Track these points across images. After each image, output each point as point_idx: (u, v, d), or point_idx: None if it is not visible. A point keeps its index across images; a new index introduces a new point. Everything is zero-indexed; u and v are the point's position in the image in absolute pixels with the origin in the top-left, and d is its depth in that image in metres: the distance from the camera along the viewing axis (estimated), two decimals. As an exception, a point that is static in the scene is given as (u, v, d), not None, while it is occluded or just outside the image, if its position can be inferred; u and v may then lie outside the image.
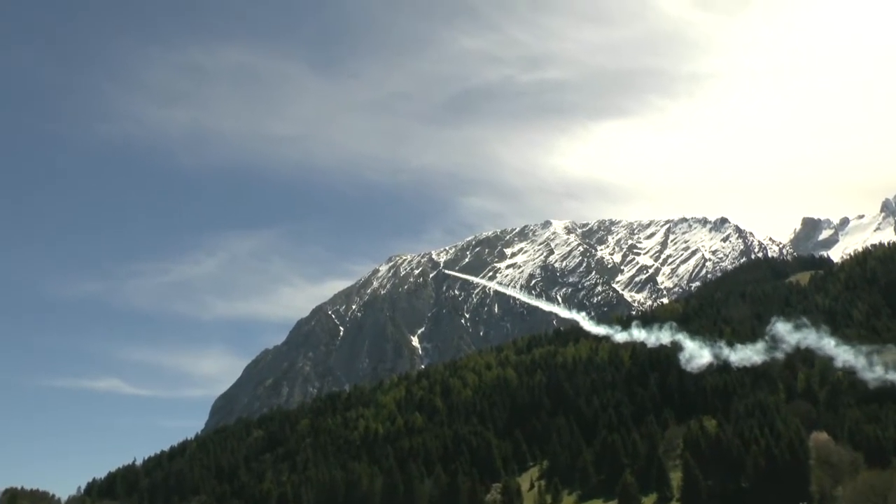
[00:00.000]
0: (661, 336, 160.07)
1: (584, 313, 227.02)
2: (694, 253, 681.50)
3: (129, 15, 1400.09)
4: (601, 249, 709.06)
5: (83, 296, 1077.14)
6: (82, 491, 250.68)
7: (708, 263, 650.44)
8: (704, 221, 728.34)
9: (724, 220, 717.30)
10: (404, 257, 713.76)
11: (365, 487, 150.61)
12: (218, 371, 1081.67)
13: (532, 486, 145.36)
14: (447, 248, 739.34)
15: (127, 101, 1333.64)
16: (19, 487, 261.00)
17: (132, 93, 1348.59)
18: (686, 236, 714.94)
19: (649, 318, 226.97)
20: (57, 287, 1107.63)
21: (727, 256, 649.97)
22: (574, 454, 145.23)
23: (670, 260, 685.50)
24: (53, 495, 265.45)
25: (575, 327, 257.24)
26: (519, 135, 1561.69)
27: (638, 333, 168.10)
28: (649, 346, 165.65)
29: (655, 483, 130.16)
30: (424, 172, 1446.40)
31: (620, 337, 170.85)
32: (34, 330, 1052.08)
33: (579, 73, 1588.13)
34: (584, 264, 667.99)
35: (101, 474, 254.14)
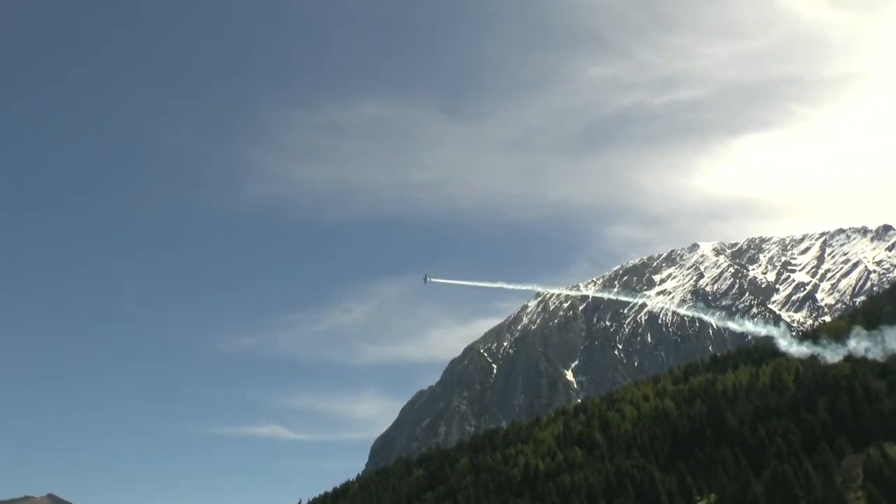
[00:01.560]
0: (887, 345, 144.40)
1: (780, 327, 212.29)
2: (855, 265, 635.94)
3: (268, 82, 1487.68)
4: (753, 269, 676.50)
5: (242, 349, 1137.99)
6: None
7: (872, 276, 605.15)
8: (864, 231, 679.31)
9: (887, 228, 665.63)
10: (553, 292, 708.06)
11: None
12: (374, 413, 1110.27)
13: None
14: (594, 279, 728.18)
15: (272, 163, 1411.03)
16: None
17: (276, 155, 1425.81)
18: (845, 248, 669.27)
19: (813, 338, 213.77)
20: (217, 342, 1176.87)
21: (895, 267, 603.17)
22: (743, 487, 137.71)
23: (829, 275, 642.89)
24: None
25: (731, 352, 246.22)
26: (657, 159, 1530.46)
27: (856, 345, 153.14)
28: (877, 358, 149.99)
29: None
30: (565, 205, 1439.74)
31: (831, 355, 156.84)
32: (199, 382, 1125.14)
33: (713, 90, 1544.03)
34: (737, 286, 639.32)
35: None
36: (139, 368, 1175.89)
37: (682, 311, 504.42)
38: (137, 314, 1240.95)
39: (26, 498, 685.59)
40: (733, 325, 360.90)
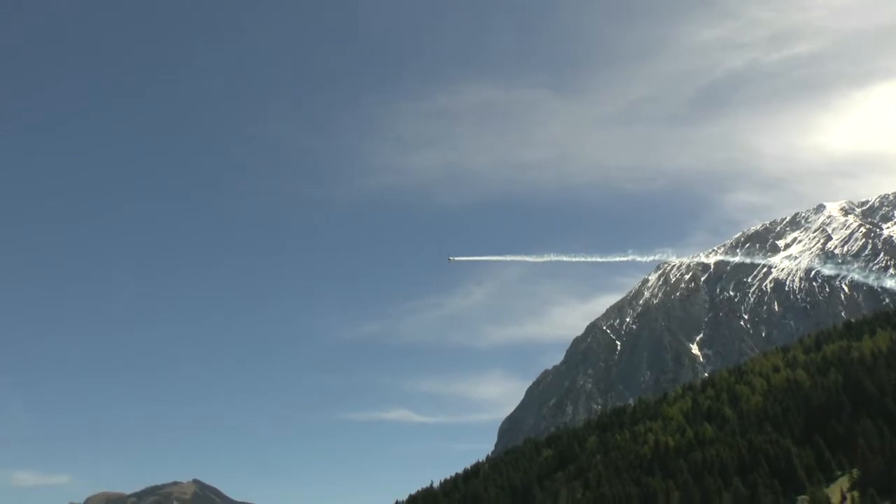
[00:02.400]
0: None
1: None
2: None
3: (375, 75, 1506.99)
4: (887, 227, 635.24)
5: (366, 336, 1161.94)
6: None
7: None
8: None
9: None
10: (672, 263, 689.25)
11: (661, 503, 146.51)
12: (500, 395, 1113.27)
13: (844, 498, 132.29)
14: (715, 248, 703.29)
15: (384, 154, 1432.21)
16: None
17: (387, 146, 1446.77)
18: None
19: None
20: (342, 331, 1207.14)
21: None
22: (889, 460, 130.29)
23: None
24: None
25: (867, 317, 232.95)
26: (774, 119, 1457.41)
27: None
28: None
29: None
30: (681, 175, 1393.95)
31: None
32: (328, 370, 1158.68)
33: (832, 42, 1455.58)
34: (870, 247, 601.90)
35: (402, 496, 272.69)
36: (272, 359, 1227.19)
37: (825, 269, 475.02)
38: (266, 307, 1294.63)
39: (174, 483, 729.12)
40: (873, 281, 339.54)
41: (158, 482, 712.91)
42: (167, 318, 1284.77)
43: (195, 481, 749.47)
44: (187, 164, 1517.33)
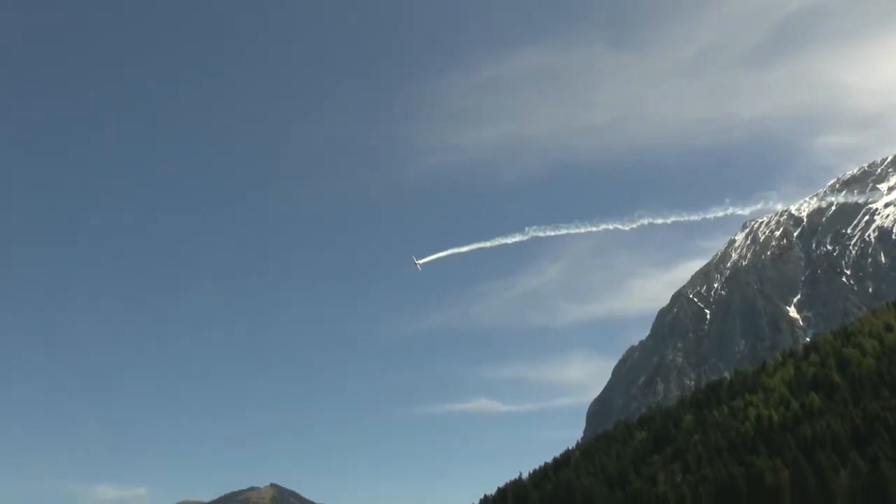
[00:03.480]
0: None
1: None
2: None
3: (420, 52, 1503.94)
4: None
5: (436, 326, 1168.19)
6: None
7: None
8: None
9: None
10: (760, 220, 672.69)
11: (770, 483, 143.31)
12: (585, 376, 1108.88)
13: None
14: (807, 199, 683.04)
15: (437, 132, 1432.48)
16: None
17: (440, 123, 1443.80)
18: None
19: None
20: (412, 322, 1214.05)
21: None
22: None
23: None
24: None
25: None
26: (863, 51, 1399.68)
27: None
28: None
29: None
30: (761, 122, 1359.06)
31: None
32: (401, 365, 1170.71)
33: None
34: None
35: (490, 490, 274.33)
36: (341, 358, 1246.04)
37: None
38: (331, 304, 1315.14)
39: (251, 488, 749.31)
40: None
41: (236, 488, 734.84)
42: (237, 322, 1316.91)
43: (273, 485, 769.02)
44: (240, 166, 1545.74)
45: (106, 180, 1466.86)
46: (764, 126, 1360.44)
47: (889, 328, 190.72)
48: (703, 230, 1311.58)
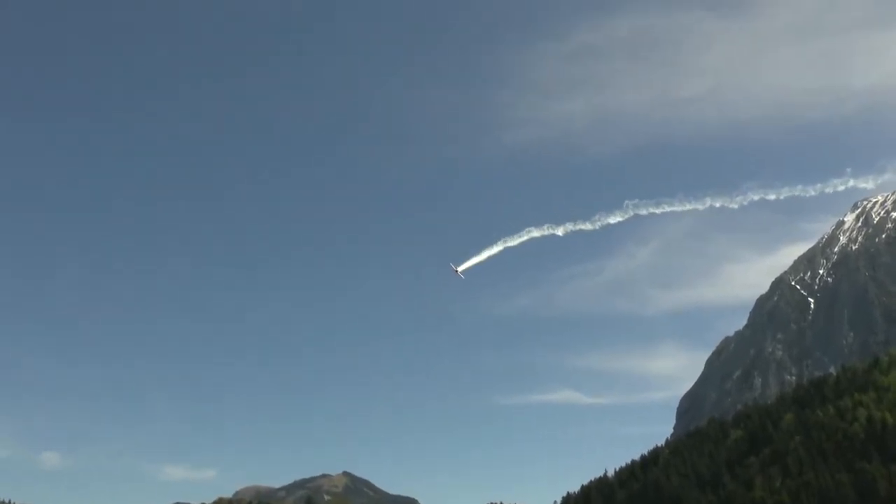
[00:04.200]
0: None
1: None
2: None
3: (507, 20, 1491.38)
4: None
5: (519, 311, 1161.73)
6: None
7: None
8: None
9: None
10: (873, 200, 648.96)
11: (883, 493, 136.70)
12: (676, 368, 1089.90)
13: None
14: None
15: (524, 104, 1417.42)
16: (500, 502, 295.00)
17: (528, 95, 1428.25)
18: None
19: None
20: (493, 306, 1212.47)
21: None
22: None
23: None
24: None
25: None
26: None
27: None
28: None
29: None
30: (879, 92, 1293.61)
31: None
32: (481, 351, 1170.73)
33: None
34: None
35: (574, 488, 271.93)
36: (418, 342, 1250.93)
37: None
38: (408, 284, 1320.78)
39: (324, 476, 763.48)
40: None
41: (307, 475, 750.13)
42: (312, 301, 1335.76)
43: (346, 473, 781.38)
44: (322, 128, 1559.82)
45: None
46: (880, 97, 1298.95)
47: None
48: (808, 212, 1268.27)
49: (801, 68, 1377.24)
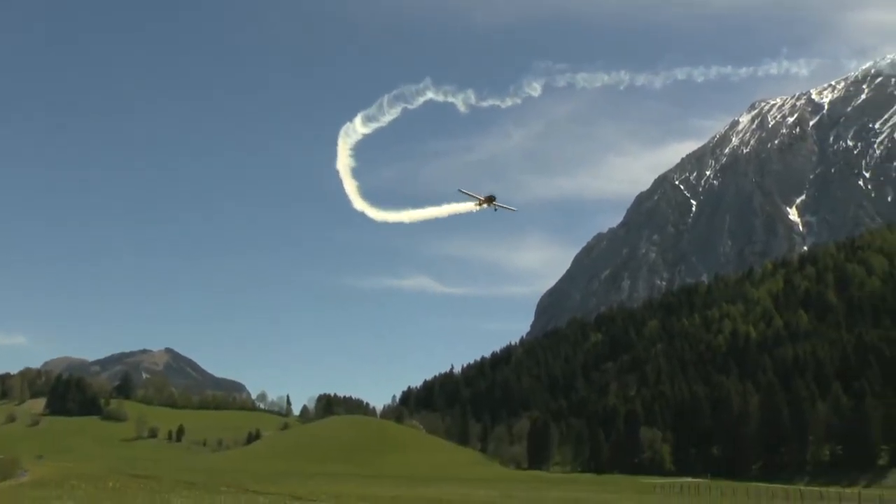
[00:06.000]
0: None
1: None
2: None
3: None
4: None
5: (380, 184, 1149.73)
6: (398, 400, 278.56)
7: None
8: None
9: None
10: (772, 102, 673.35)
11: (736, 408, 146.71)
12: (541, 263, 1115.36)
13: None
14: (833, 83, 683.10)
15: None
16: (332, 394, 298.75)
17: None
18: None
19: None
20: (355, 176, 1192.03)
21: None
22: None
23: None
24: (368, 404, 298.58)
25: None
26: None
27: None
28: None
29: None
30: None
31: None
32: (331, 226, 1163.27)
33: None
34: None
35: (416, 383, 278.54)
36: (261, 211, 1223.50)
37: None
38: (260, 147, 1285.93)
39: (143, 351, 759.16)
40: None
41: (126, 349, 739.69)
42: (148, 165, 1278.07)
43: (168, 350, 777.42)
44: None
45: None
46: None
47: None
48: (703, 107, 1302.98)
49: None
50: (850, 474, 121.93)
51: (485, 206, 64.00)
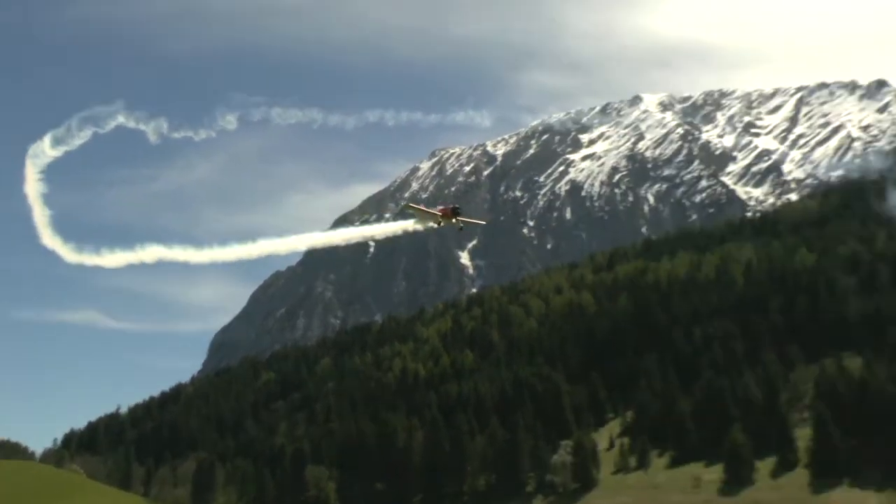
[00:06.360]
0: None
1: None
2: (836, 130, 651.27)
3: None
4: (707, 130, 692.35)
5: (57, 209, 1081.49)
6: (59, 443, 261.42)
7: (856, 144, 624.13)
8: (853, 87, 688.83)
9: (882, 84, 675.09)
10: (451, 151, 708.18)
11: (402, 444, 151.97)
12: (217, 300, 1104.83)
13: (612, 445, 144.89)
14: (506, 136, 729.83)
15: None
16: None
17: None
18: (825, 107, 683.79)
19: (770, 221, 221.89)
20: (18, 195, 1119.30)
21: (884, 133, 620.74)
22: (668, 404, 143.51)
23: (802, 141, 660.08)
24: (26, 448, 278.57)
25: (670, 235, 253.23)
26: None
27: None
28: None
29: (776, 443, 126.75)
30: (469, 44, 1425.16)
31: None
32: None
33: None
34: (685, 151, 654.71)
35: (80, 424, 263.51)
36: None
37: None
38: None
39: None
40: None
41: None
42: None
43: None
44: None
45: None
46: (471, 49, 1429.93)
47: (559, 290, 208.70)
48: (387, 152, 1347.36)
49: (400, 3, 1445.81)
50: (502, 501, 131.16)
51: (444, 222, 59.63)
